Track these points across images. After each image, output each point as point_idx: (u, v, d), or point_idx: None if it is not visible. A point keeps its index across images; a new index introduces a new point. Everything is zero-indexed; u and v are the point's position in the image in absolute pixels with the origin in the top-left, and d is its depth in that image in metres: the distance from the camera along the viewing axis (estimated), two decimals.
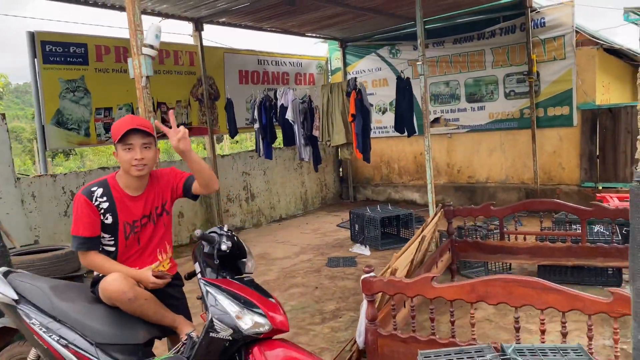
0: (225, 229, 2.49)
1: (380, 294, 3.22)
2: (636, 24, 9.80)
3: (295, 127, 6.92)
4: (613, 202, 6.51)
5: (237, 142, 20.10)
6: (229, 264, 2.52)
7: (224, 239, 2.37)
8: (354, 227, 7.31)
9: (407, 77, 7.55)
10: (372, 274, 3.11)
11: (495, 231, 5.21)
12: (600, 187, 8.05)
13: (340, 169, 11.06)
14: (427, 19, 8.61)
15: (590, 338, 2.61)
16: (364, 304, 3.18)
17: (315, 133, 6.90)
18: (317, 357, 2.52)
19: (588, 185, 8.14)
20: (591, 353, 2.58)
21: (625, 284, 4.86)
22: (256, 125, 7.47)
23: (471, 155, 9.29)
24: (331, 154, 10.64)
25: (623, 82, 9.82)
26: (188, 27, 8.12)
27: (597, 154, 8.04)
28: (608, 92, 8.68)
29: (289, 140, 7.27)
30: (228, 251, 2.38)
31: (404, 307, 3.79)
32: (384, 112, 10.14)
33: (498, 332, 4.16)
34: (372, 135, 10.21)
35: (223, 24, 8.17)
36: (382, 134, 10.21)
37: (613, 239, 4.73)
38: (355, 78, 6.80)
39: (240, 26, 8.37)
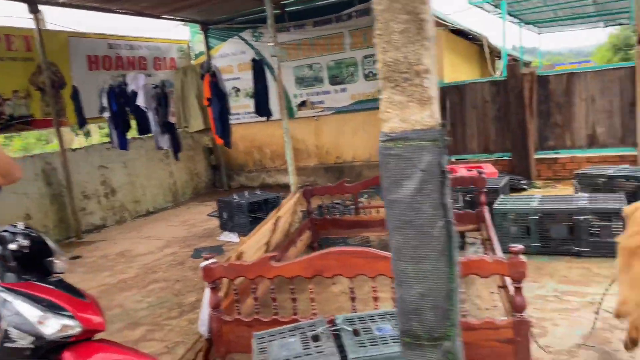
0: (22, 226, 2.21)
1: (227, 280, 3.14)
2: (479, 7, 10.66)
3: (150, 114, 6.54)
4: (461, 171, 7.04)
5: (108, 135, 18.77)
6: (35, 265, 2.25)
7: (19, 238, 2.11)
8: (223, 215, 7.14)
9: (260, 59, 7.47)
10: (212, 260, 3.00)
11: (351, 207, 5.36)
12: (454, 159, 8.68)
13: (212, 157, 10.76)
14: (285, 2, 8.61)
15: None
16: (207, 291, 3.07)
17: (172, 119, 6.58)
18: (144, 355, 2.37)
19: None
20: None
21: (468, 246, 5.28)
22: (106, 114, 6.94)
23: (337, 137, 9.52)
24: (200, 141, 10.30)
25: (470, 61, 10.64)
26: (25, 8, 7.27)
27: (449, 129, 8.64)
28: (457, 71, 9.35)
29: (144, 129, 6.87)
30: (27, 250, 2.12)
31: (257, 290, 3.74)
32: (251, 97, 9.98)
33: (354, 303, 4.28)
34: (241, 120, 10.11)
35: (63, 5, 7.44)
36: (251, 119, 10.06)
37: (453, 205, 5.10)
38: (209, 60, 6.59)
39: (84, 7, 7.68)
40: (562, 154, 7.91)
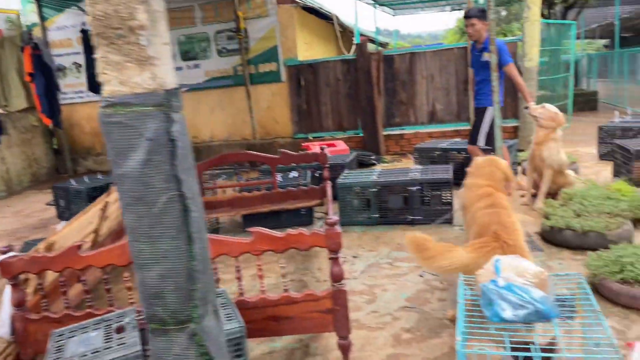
0: None
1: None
2: None
3: None
4: (315, 149, 7.16)
5: None
6: None
7: None
8: (60, 203, 6.50)
9: (88, 29, 6.86)
10: (11, 253, 2.65)
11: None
12: (311, 137, 8.81)
13: (54, 140, 9.76)
14: None
15: (239, 279, 2.68)
16: (6, 289, 2.72)
17: None
18: None
19: (300, 137, 8.82)
20: (241, 293, 2.67)
21: (317, 221, 5.38)
22: None
23: (193, 116, 9.15)
24: (39, 122, 9.26)
25: (325, 40, 10.82)
26: None
27: (305, 107, 8.73)
28: (311, 49, 9.43)
29: None
30: None
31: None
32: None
33: None
34: (85, 99, 9.27)
35: None
36: (96, 97, 9.25)
37: (300, 182, 5.16)
38: (30, 31, 5.86)
39: None
40: (407, 130, 8.41)
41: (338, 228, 2.56)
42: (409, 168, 5.60)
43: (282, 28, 8.37)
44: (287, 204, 4.97)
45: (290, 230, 2.57)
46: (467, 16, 5.07)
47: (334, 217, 2.60)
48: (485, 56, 4.97)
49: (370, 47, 13.96)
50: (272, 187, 4.99)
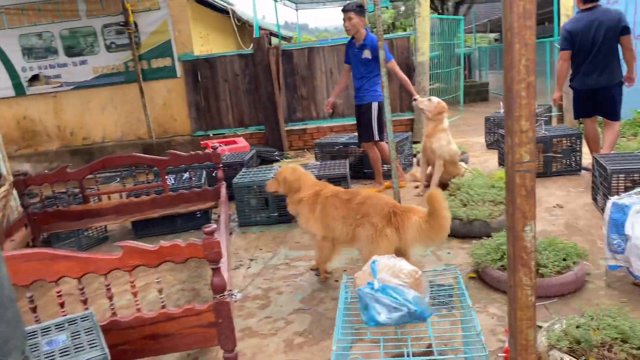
0: None
1: None
2: None
3: None
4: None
5: None
6: None
7: None
8: None
9: None
10: None
11: (79, 195, 4.76)
12: (211, 135, 8.52)
13: None
14: None
15: (110, 298, 2.46)
16: None
17: None
18: None
19: (200, 134, 8.51)
20: (114, 312, 2.45)
21: (214, 222, 5.17)
22: None
23: (83, 115, 8.52)
24: None
25: (224, 33, 10.51)
26: None
27: (203, 103, 8.42)
28: (208, 43, 9.11)
29: None
30: None
31: None
32: None
33: (77, 306, 3.81)
34: None
35: None
36: None
37: (192, 183, 4.94)
38: None
39: None
40: (310, 125, 8.39)
41: (217, 236, 2.42)
42: (307, 164, 5.54)
43: (175, 21, 7.99)
44: (179, 208, 4.72)
45: (163, 242, 2.39)
46: (344, 10, 5.07)
47: (212, 225, 2.45)
48: (365, 54, 5.01)
49: (274, 41, 13.82)
50: (162, 190, 4.72)
